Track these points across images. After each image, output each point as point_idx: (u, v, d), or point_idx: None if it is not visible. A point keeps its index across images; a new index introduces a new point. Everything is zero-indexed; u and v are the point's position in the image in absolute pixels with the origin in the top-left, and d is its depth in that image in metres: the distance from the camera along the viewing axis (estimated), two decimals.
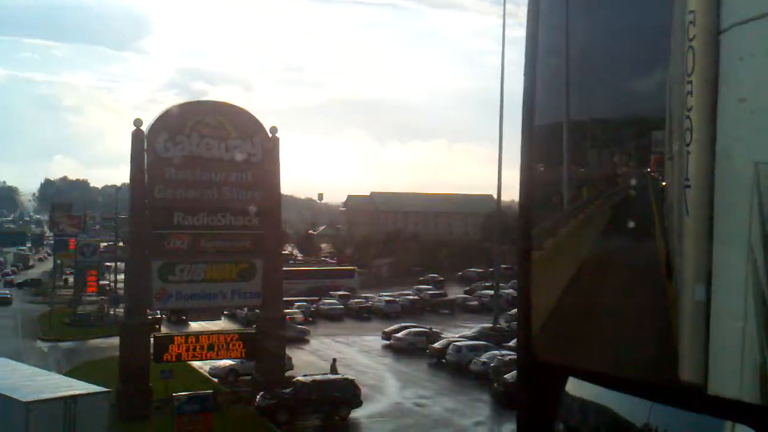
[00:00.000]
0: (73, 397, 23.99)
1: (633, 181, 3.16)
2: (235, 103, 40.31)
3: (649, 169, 3.07)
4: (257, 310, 42.17)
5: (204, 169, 36.93)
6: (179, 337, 37.80)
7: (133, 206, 38.24)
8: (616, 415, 3.23)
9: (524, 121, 3.75)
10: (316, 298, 70.70)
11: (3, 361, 34.17)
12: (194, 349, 36.83)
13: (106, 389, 26.68)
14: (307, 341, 56.70)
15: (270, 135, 38.87)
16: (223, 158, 37.32)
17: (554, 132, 3.62)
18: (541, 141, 3.74)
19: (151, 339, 36.79)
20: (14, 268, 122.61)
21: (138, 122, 36.75)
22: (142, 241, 36.80)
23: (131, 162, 36.95)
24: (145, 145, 36.41)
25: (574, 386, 3.43)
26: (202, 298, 37.53)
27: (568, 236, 3.58)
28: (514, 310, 58.41)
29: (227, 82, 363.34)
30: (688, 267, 2.69)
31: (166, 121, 36.98)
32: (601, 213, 3.38)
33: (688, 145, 2.67)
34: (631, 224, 3.15)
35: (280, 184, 40.75)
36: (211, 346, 37.17)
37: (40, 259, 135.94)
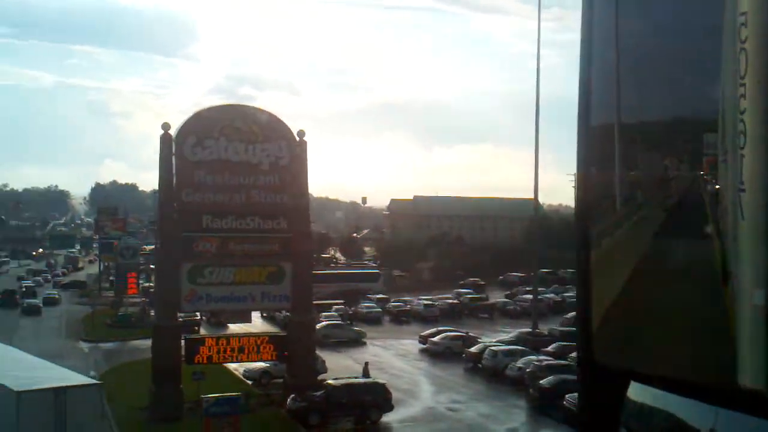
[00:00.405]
0: (63, 389, 24.10)
1: (688, 184, 3.10)
2: (263, 107, 40.58)
3: (702, 172, 2.97)
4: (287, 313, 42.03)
5: (232, 173, 36.89)
6: (210, 339, 37.91)
7: (161, 210, 38.41)
8: (680, 421, 3.14)
9: (580, 122, 3.71)
10: (341, 301, 70.19)
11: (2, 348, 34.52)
12: (225, 351, 36.80)
13: (98, 381, 26.75)
14: (364, 343, 56.91)
15: (298, 138, 38.72)
16: (251, 162, 37.27)
17: (609, 133, 3.59)
18: (596, 142, 3.71)
19: (182, 341, 36.97)
20: (64, 270, 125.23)
21: (166, 126, 36.91)
22: (171, 244, 36.93)
23: (160, 166, 37.03)
24: (174, 149, 36.56)
25: (636, 390, 3.35)
26: (231, 301, 37.59)
27: (622, 238, 3.56)
28: (571, 314, 57.65)
29: (273, 87, 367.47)
30: (745, 272, 2.63)
31: (194, 125, 37.03)
32: (653, 216, 3.33)
33: (741, 148, 2.59)
34: (685, 228, 3.11)
35: (308, 187, 40.63)
36: (242, 348, 37.13)
37: (90, 261, 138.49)
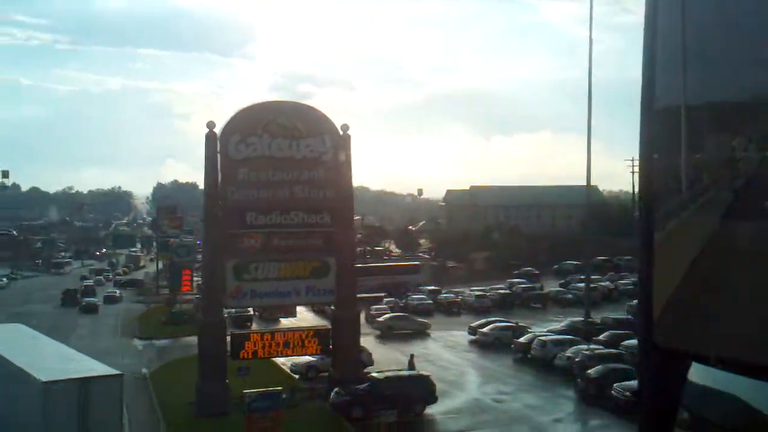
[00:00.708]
0: (87, 379, 24.80)
1: (756, 164, 3.12)
2: (307, 102, 40.74)
3: None
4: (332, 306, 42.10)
5: (276, 169, 37.13)
6: (255, 335, 38.22)
7: (207, 208, 38.70)
8: (743, 402, 3.16)
9: (643, 107, 3.79)
10: (382, 294, 69.82)
11: (29, 332, 35.45)
12: (270, 346, 37.09)
13: (120, 372, 27.32)
14: (428, 334, 57.17)
15: (342, 132, 38.77)
16: (295, 157, 37.42)
17: (673, 116, 3.64)
18: (660, 125, 3.76)
19: (228, 337, 37.37)
20: (125, 268, 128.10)
21: (211, 125, 37.22)
22: (217, 241, 37.33)
23: (205, 164, 37.40)
24: (218, 148, 36.90)
25: (698, 372, 3.41)
26: (276, 296, 37.96)
27: (689, 221, 3.60)
28: (635, 301, 56.75)
29: (331, 84, 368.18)
30: None
31: (238, 122, 37.28)
32: (721, 197, 3.35)
33: None
34: (754, 208, 3.11)
35: (352, 181, 40.61)
36: (287, 343, 37.39)
37: (151, 260, 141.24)
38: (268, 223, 37.22)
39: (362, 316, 57.87)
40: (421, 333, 57.16)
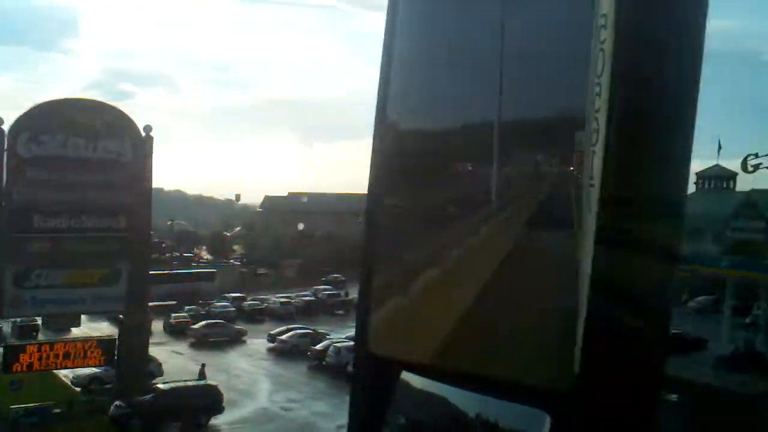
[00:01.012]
0: None
1: (558, 179, 3.17)
2: (107, 101, 39.80)
3: (571, 168, 3.05)
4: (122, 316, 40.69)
5: (68, 170, 35.65)
6: (32, 347, 36.27)
7: None
8: (449, 406, 3.26)
9: (377, 126, 3.78)
10: (174, 302, 68.13)
11: None
12: (48, 358, 35.32)
13: None
14: (244, 342, 56.58)
15: (143, 134, 37.96)
16: (90, 158, 36.16)
17: (408, 133, 3.69)
18: (399, 143, 3.78)
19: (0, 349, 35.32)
20: None
21: None
22: None
23: None
24: (5, 145, 34.88)
25: (409, 379, 3.50)
26: (59, 304, 36.21)
27: (419, 240, 3.60)
28: None
29: (154, 84, 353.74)
30: (586, 265, 2.71)
31: (30, 119, 35.56)
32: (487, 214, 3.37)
33: (593, 145, 2.72)
34: (545, 222, 3.12)
35: (152, 185, 39.64)
36: (67, 354, 35.76)
37: None
38: (58, 227, 35.72)
39: (161, 324, 56.94)
40: (237, 341, 56.62)
